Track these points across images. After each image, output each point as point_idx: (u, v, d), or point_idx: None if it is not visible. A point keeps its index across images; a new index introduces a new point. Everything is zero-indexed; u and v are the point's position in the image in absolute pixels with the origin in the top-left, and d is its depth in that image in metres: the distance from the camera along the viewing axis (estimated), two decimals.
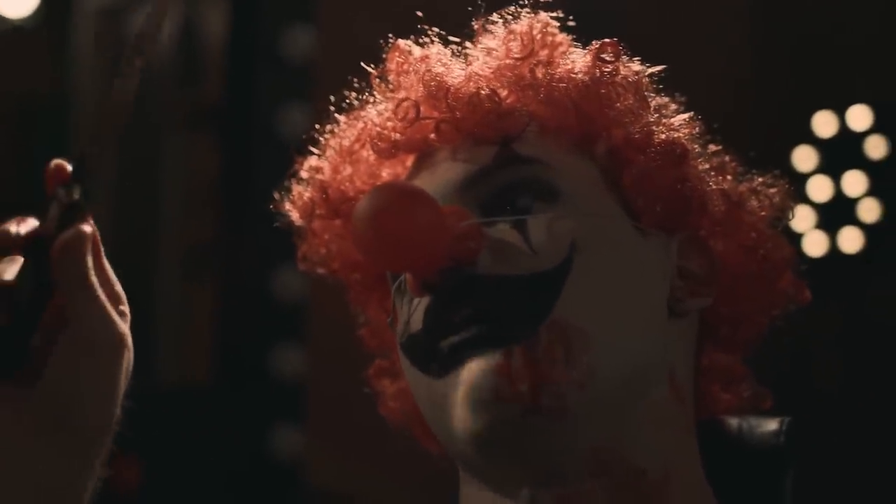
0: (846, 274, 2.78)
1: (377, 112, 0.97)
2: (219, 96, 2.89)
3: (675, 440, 0.92)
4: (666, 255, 0.94)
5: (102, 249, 0.78)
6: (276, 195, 1.03)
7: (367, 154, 0.98)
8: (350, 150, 0.98)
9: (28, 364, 0.75)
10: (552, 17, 0.95)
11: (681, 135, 0.95)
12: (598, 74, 0.93)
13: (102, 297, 0.75)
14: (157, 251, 3.01)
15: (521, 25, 0.95)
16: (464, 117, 0.93)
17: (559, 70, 0.93)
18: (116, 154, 2.84)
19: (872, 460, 2.63)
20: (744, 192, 1.00)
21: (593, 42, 0.95)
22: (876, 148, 2.84)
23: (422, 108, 0.94)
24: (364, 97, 0.99)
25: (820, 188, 2.86)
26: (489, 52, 0.95)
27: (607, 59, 0.93)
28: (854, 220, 2.84)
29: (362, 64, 0.99)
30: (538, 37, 0.94)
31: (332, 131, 1.00)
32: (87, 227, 0.75)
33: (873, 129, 2.84)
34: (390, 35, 0.98)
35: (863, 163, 2.85)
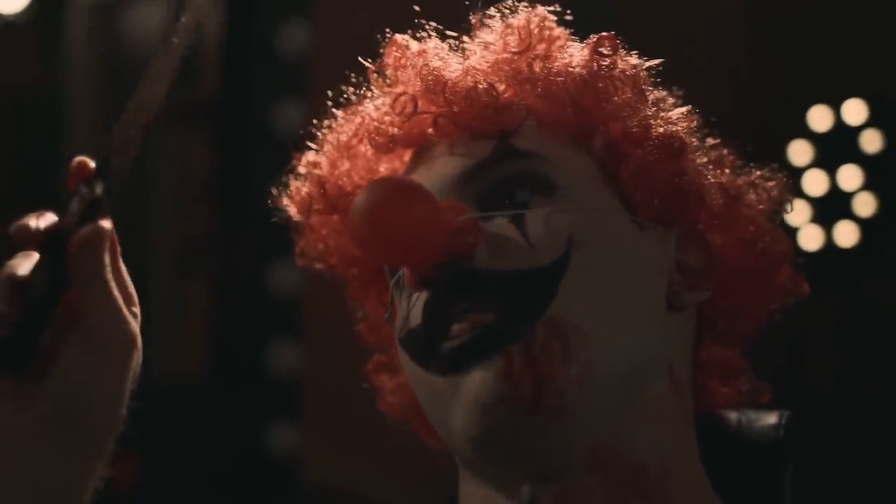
0: (841, 268, 2.78)
1: (375, 107, 0.96)
2: (214, 92, 2.88)
3: (675, 435, 0.92)
4: (664, 248, 0.93)
5: (119, 249, 0.78)
6: (273, 191, 1.03)
7: (365, 149, 0.97)
8: (347, 145, 0.98)
9: (36, 360, 0.75)
10: (549, 12, 0.95)
11: (679, 128, 0.94)
12: (595, 68, 0.93)
13: (117, 294, 0.75)
14: (151, 247, 3.00)
15: (518, 19, 0.94)
16: (461, 111, 0.92)
17: (557, 64, 0.93)
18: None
19: (867, 454, 2.63)
20: (742, 185, 1.00)
21: (590, 36, 0.95)
22: (871, 142, 2.84)
23: (419, 103, 0.94)
24: (361, 92, 0.99)
25: (815, 182, 2.86)
26: (486, 46, 0.95)
27: (605, 52, 0.93)
28: (849, 215, 2.84)
29: (358, 59, 0.98)
30: (535, 31, 0.94)
31: (329, 126, 1.00)
32: (107, 224, 0.75)
33: (868, 124, 2.84)
34: (386, 31, 0.98)
35: (858, 157, 2.85)
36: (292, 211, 1.01)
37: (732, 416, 1.02)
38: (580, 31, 0.97)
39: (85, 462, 0.75)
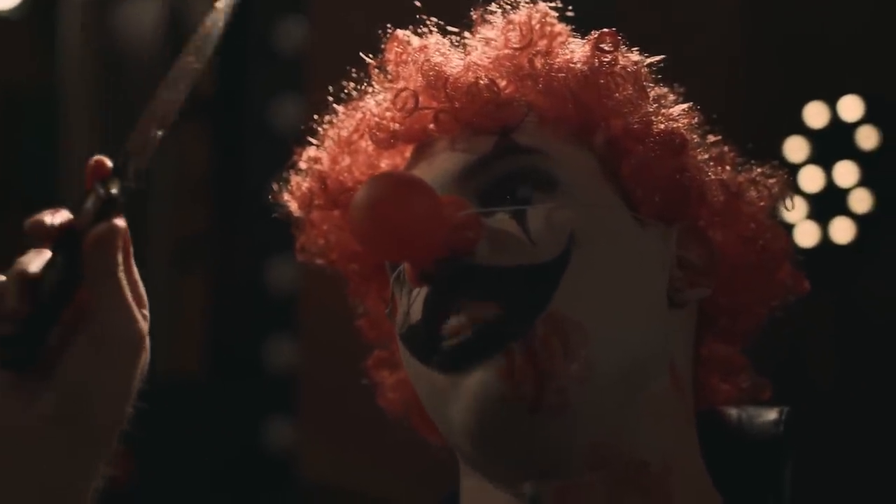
0: (838, 265, 2.78)
1: (376, 102, 0.96)
2: (211, 88, 2.87)
3: (676, 431, 0.92)
4: (665, 245, 0.93)
5: (132, 250, 0.78)
6: (270, 187, 1.02)
7: (366, 144, 0.97)
8: (349, 141, 0.98)
9: (44, 358, 0.75)
10: (551, 8, 0.95)
11: (680, 125, 0.94)
12: (596, 64, 0.93)
13: (128, 293, 0.75)
14: (148, 243, 2.99)
15: (519, 16, 0.94)
16: (462, 107, 0.92)
17: (558, 60, 0.93)
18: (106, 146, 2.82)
19: (865, 451, 2.64)
20: (743, 182, 1.00)
21: (591, 32, 0.95)
22: (867, 138, 2.84)
23: (420, 98, 0.94)
24: (361, 88, 0.99)
25: (811, 179, 2.86)
26: (488, 42, 0.95)
27: (606, 48, 0.93)
28: (846, 211, 2.84)
29: (356, 55, 0.98)
30: (537, 27, 0.94)
31: (330, 122, 1.00)
32: (121, 223, 0.75)
33: (865, 120, 2.84)
34: (383, 27, 0.98)
35: (854, 153, 2.85)
36: (293, 206, 1.01)
37: (732, 412, 1.02)
38: (576, 26, 0.97)
39: (89, 461, 0.75)
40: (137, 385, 0.76)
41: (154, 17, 2.99)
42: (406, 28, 0.97)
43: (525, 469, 0.89)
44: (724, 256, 0.97)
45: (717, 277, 0.95)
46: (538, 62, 0.93)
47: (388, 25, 0.98)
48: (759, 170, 1.01)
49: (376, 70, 0.98)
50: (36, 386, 0.74)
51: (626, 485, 0.89)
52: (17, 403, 0.74)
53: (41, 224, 0.76)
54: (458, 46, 0.96)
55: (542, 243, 0.89)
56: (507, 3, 0.96)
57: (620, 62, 0.93)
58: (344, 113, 0.99)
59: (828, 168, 2.87)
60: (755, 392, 1.03)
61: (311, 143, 1.01)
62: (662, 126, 0.93)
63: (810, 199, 2.83)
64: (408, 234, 0.87)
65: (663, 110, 0.95)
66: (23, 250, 0.77)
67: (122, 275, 0.75)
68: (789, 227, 0.99)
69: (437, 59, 0.94)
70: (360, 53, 0.98)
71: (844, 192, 2.85)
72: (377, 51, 0.98)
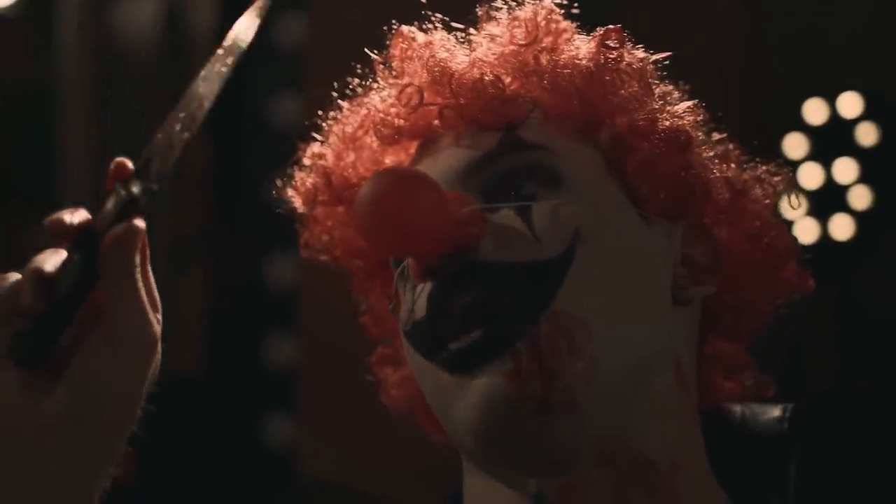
0: (837, 261, 2.78)
1: (380, 98, 0.96)
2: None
3: (682, 429, 0.92)
4: (669, 242, 0.93)
5: (149, 254, 0.78)
6: (268, 183, 1.02)
7: (371, 140, 0.97)
8: (353, 137, 0.98)
9: (55, 357, 0.74)
10: (556, 5, 0.95)
11: (685, 122, 0.94)
12: (602, 61, 0.93)
13: (143, 295, 0.75)
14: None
15: (524, 12, 0.94)
16: (467, 103, 0.92)
17: (563, 57, 0.93)
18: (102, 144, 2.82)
19: (864, 448, 2.64)
20: (747, 180, 0.99)
21: (596, 29, 0.95)
22: (867, 135, 2.84)
23: (425, 94, 0.94)
24: (360, 84, 0.99)
25: (811, 175, 2.86)
26: (493, 38, 0.94)
27: (612, 45, 0.93)
28: (845, 208, 2.84)
29: (355, 52, 0.98)
30: (542, 23, 0.94)
31: (334, 118, 1.00)
32: (141, 224, 0.75)
33: (864, 117, 2.84)
34: (383, 23, 0.97)
35: (854, 150, 2.85)
36: (297, 202, 1.01)
37: (736, 409, 1.02)
38: (577, 22, 0.97)
39: (97, 461, 0.74)
40: (148, 388, 0.76)
41: (151, 14, 2.98)
42: (406, 24, 0.97)
43: (530, 467, 0.89)
44: (728, 254, 0.96)
45: (721, 275, 0.95)
46: (543, 59, 0.92)
47: (388, 22, 0.97)
48: (764, 168, 1.01)
49: (381, 66, 0.97)
50: (47, 384, 0.74)
51: (633, 482, 0.89)
52: (28, 401, 0.73)
53: (60, 223, 0.75)
54: (463, 43, 0.96)
55: (546, 240, 0.89)
56: (512, 0, 0.95)
57: (626, 59, 0.93)
58: (348, 109, 0.99)
59: (827, 165, 2.86)
60: (759, 390, 1.03)
61: (312, 139, 1.01)
62: (668, 123, 0.93)
63: (810, 195, 2.83)
64: (412, 229, 0.87)
65: (668, 107, 0.95)
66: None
67: (138, 276, 0.75)
68: (789, 224, 0.98)
69: (442, 55, 0.94)
70: (360, 50, 0.98)
71: (844, 189, 2.85)
72: (376, 47, 0.97)
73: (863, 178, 2.83)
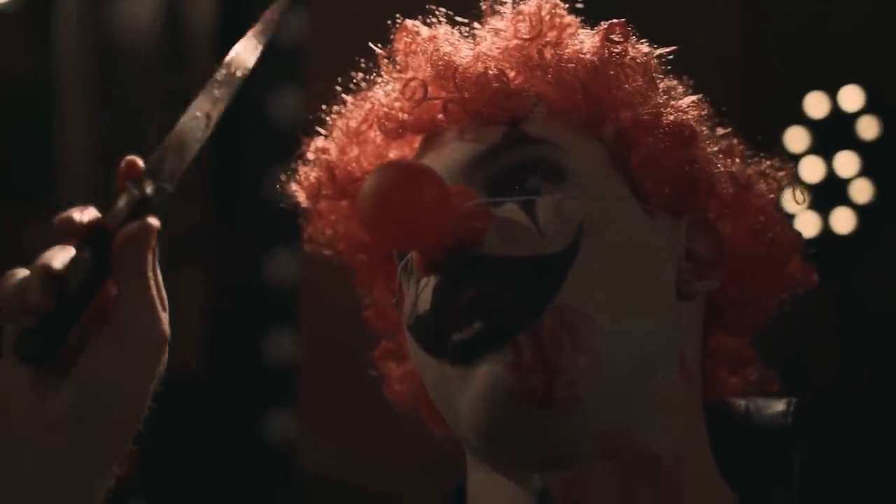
0: (838, 255, 2.78)
1: (384, 92, 0.96)
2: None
3: (686, 423, 0.92)
4: (674, 237, 0.93)
5: (158, 254, 0.77)
6: (270, 178, 1.02)
7: (375, 135, 0.97)
8: (357, 131, 0.97)
9: (62, 355, 0.74)
10: None
11: (689, 116, 0.94)
12: (606, 55, 0.92)
13: (154, 294, 0.75)
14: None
15: (529, 6, 0.94)
16: (472, 97, 0.92)
17: (567, 51, 0.93)
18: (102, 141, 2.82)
19: (865, 441, 2.64)
20: (752, 174, 0.99)
21: (600, 23, 0.94)
22: (868, 128, 2.84)
23: (429, 89, 0.93)
24: (363, 78, 0.99)
25: (812, 169, 2.86)
26: (497, 32, 0.94)
27: (616, 40, 0.93)
28: (846, 201, 2.84)
29: (356, 47, 0.98)
30: (546, 18, 0.93)
31: (338, 112, 1.00)
32: (156, 223, 0.75)
33: (865, 110, 2.84)
34: (383, 18, 0.97)
35: (855, 143, 2.84)
36: (300, 197, 1.01)
37: (740, 403, 1.02)
38: (581, 17, 0.96)
39: (103, 459, 0.74)
40: (155, 387, 0.76)
41: (150, 9, 2.98)
42: (409, 18, 0.97)
43: (533, 461, 0.89)
44: (732, 249, 0.96)
45: (725, 270, 0.95)
46: (548, 53, 0.92)
47: (389, 16, 0.97)
48: (768, 162, 1.01)
49: (385, 60, 0.97)
50: (54, 382, 0.74)
51: (637, 476, 0.89)
52: (35, 398, 0.73)
53: (70, 221, 0.75)
54: (467, 37, 0.96)
55: (550, 234, 0.89)
56: None
57: (630, 53, 0.93)
58: (352, 103, 0.99)
59: (828, 158, 2.86)
60: (763, 384, 1.03)
61: (315, 134, 1.01)
62: (672, 117, 0.93)
63: (811, 189, 2.83)
64: (416, 222, 0.87)
65: (673, 102, 0.95)
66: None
67: (150, 274, 0.75)
68: (790, 218, 0.99)
69: (447, 49, 0.93)
70: (360, 45, 0.97)
71: (845, 183, 2.85)
72: (377, 42, 0.97)
73: (864, 172, 2.83)
